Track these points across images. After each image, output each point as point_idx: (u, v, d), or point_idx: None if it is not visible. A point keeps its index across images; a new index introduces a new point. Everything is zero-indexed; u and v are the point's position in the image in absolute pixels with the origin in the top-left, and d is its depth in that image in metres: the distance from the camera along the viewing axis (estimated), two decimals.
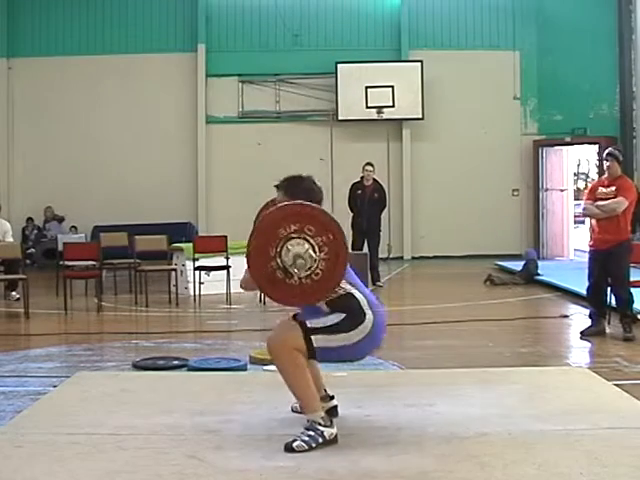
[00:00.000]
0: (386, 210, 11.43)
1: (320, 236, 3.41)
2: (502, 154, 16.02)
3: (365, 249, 11.01)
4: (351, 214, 10.96)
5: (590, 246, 7.17)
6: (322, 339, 3.51)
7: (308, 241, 3.39)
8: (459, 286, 11.41)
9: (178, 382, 4.95)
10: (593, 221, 7.10)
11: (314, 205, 3.50)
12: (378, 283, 10.82)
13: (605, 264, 6.88)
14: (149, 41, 16.09)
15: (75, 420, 3.95)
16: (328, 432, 3.52)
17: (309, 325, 3.52)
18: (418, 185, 16.04)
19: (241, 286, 3.86)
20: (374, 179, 11.26)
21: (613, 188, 6.86)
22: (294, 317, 3.62)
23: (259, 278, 3.47)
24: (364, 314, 3.57)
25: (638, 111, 15.07)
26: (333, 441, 3.53)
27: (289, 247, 3.38)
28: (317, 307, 3.59)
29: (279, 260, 3.40)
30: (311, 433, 3.50)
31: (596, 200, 6.93)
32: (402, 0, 16.15)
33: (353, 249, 11.10)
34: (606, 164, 7.00)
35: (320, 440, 3.49)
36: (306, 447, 3.46)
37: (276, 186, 3.78)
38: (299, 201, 3.50)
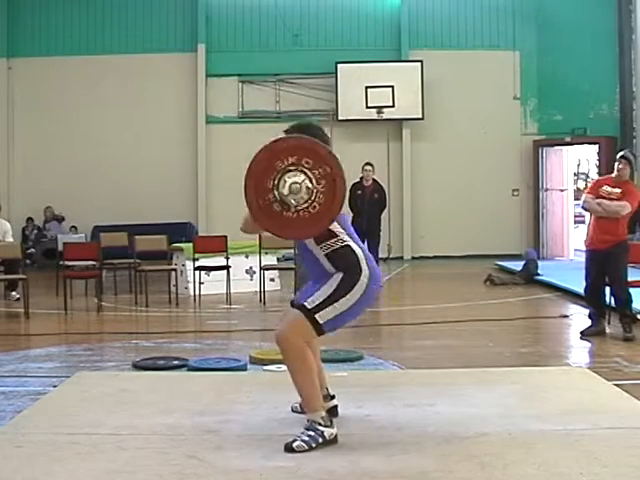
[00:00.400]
0: (386, 210, 11.40)
1: (317, 168, 3.43)
2: (502, 154, 16.01)
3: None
4: (351, 215, 10.96)
5: (587, 246, 7.14)
6: (328, 312, 3.51)
7: (305, 173, 3.41)
8: (459, 286, 11.41)
9: (178, 382, 4.95)
10: (592, 220, 7.07)
11: (312, 138, 3.51)
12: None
13: (603, 264, 6.87)
14: (149, 41, 16.09)
15: (75, 420, 3.95)
16: (328, 432, 3.52)
17: (310, 306, 3.51)
18: (418, 185, 16.04)
19: (241, 228, 3.85)
20: (374, 179, 11.22)
21: (619, 190, 6.81)
22: (291, 304, 3.62)
23: (257, 212, 3.47)
24: (360, 270, 3.57)
25: (638, 111, 15.06)
26: (333, 441, 3.53)
27: (286, 179, 3.40)
28: (319, 262, 3.58)
29: (276, 192, 3.42)
30: (311, 433, 3.50)
31: (598, 196, 6.89)
32: (402, 0, 16.15)
33: None
34: (618, 166, 6.91)
35: (320, 440, 3.49)
36: (306, 447, 3.46)
37: (285, 131, 3.78)
38: (296, 134, 3.53)
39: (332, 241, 3.59)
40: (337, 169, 3.45)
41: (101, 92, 15.95)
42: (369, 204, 10.90)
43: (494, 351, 6.48)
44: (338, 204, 3.47)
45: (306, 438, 3.48)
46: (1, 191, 15.51)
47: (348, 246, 3.61)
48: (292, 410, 3.95)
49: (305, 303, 3.53)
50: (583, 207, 7.33)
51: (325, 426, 3.52)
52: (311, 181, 3.41)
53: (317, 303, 3.52)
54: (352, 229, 3.73)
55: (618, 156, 7.03)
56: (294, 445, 3.46)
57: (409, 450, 3.46)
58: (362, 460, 3.34)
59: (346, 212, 3.74)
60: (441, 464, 3.28)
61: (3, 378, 5.46)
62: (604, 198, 6.84)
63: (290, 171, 3.41)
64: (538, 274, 11.45)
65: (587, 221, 7.86)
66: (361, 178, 11.08)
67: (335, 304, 3.52)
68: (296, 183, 3.38)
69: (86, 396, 4.46)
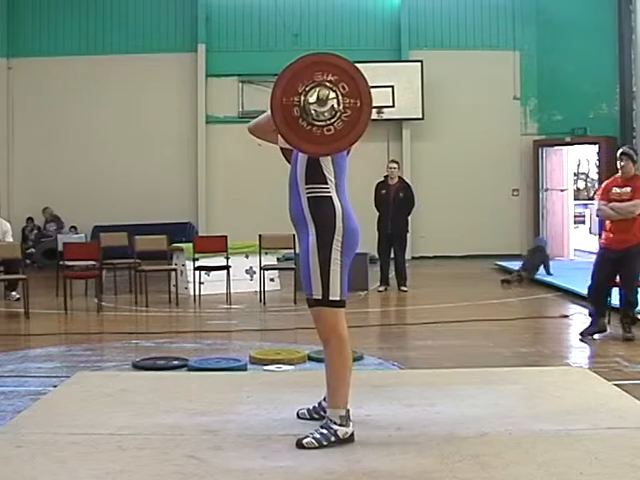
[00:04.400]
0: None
1: (350, 97, 3.48)
2: (502, 154, 16.02)
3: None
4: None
5: (602, 244, 7.00)
6: (333, 284, 3.54)
7: (337, 95, 3.46)
8: (459, 286, 11.41)
9: (178, 382, 4.95)
10: (607, 220, 6.96)
11: (359, 68, 3.56)
12: (402, 288, 10.62)
13: (617, 264, 6.77)
14: (149, 41, 16.10)
15: (75, 420, 3.95)
16: (342, 431, 3.53)
17: (320, 296, 3.54)
18: (418, 185, 15.97)
19: (249, 127, 3.87)
20: (400, 177, 10.91)
21: (628, 189, 6.73)
22: (309, 303, 3.63)
23: (276, 108, 3.47)
24: (334, 227, 3.57)
25: (638, 111, 15.07)
26: (348, 440, 3.53)
27: (317, 89, 3.44)
28: (300, 203, 3.60)
29: (302, 98, 3.45)
30: (324, 431, 3.52)
31: (610, 200, 6.80)
32: (402, 0, 16.16)
33: (378, 252, 10.98)
34: (620, 163, 6.85)
35: (332, 439, 3.50)
36: (316, 444, 3.47)
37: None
38: (347, 58, 3.56)
39: (319, 186, 3.59)
40: (368, 108, 3.51)
41: (101, 92, 15.95)
42: (394, 204, 10.55)
43: (494, 351, 6.48)
44: (353, 137, 3.52)
45: (318, 436, 3.50)
46: (1, 191, 15.53)
47: (329, 197, 3.60)
48: (298, 416, 3.93)
49: (314, 297, 3.57)
50: (597, 215, 7.27)
51: (340, 425, 3.53)
52: (339, 104, 3.46)
53: (321, 288, 3.55)
54: (344, 179, 3.71)
55: (618, 153, 6.96)
56: (304, 442, 3.48)
57: (409, 450, 3.46)
58: (362, 460, 3.34)
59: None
60: (441, 464, 3.28)
61: (3, 378, 5.47)
62: (616, 201, 6.75)
63: (325, 86, 3.45)
64: (546, 264, 11.41)
65: (594, 220, 7.79)
66: (386, 177, 10.82)
67: (330, 274, 3.54)
68: (326, 95, 3.43)
69: (86, 396, 4.46)
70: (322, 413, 3.77)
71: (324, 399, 3.77)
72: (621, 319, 6.90)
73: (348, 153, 3.77)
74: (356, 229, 3.66)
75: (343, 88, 3.47)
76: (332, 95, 3.44)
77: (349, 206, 3.68)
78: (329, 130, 3.46)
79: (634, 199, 6.69)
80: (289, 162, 3.79)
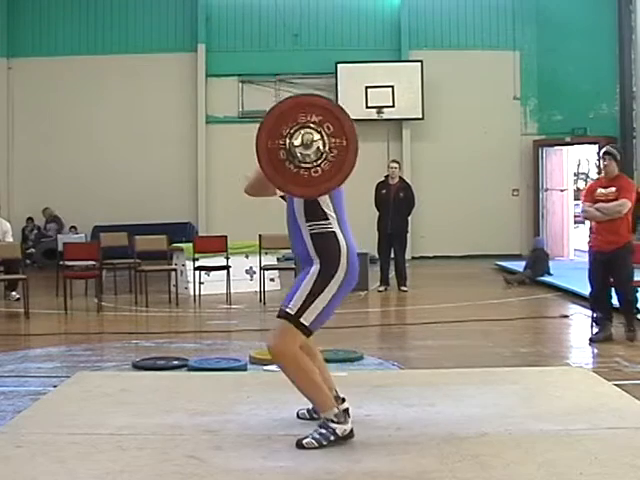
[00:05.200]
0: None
1: (336, 137, 3.46)
2: (502, 154, 16.02)
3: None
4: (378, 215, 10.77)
5: (591, 247, 6.94)
6: (310, 311, 3.52)
7: (322, 136, 3.45)
8: (459, 286, 11.41)
9: (178, 382, 4.95)
10: (593, 222, 6.89)
11: (343, 108, 3.54)
12: (402, 288, 10.62)
13: (608, 266, 6.70)
14: (149, 41, 16.11)
15: (75, 420, 3.95)
16: (341, 429, 3.53)
17: (293, 311, 3.51)
18: (418, 185, 15.97)
19: (245, 190, 3.84)
20: (400, 177, 10.89)
21: (613, 189, 6.63)
22: (279, 314, 3.60)
23: (262, 152, 3.46)
24: (338, 263, 3.56)
25: (638, 111, 15.07)
26: (347, 437, 3.54)
27: (302, 132, 3.43)
28: (304, 242, 3.59)
29: (287, 141, 3.44)
30: (322, 431, 3.52)
31: (595, 202, 6.69)
32: (402, 0, 16.16)
33: (378, 252, 11.00)
34: (603, 163, 6.75)
35: (332, 438, 3.51)
36: (316, 444, 3.48)
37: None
38: (330, 99, 3.56)
39: (321, 223, 3.58)
40: (354, 146, 3.48)
41: (101, 92, 15.96)
42: (394, 204, 10.55)
43: (494, 351, 6.47)
44: (341, 178, 3.50)
45: (317, 436, 3.51)
46: (1, 191, 15.53)
47: (333, 233, 3.59)
48: (298, 416, 3.93)
49: (287, 310, 3.53)
50: (584, 217, 7.18)
51: (338, 423, 3.53)
52: (325, 145, 3.44)
53: (299, 306, 3.52)
54: (344, 210, 3.70)
55: (601, 153, 6.86)
56: (304, 442, 3.49)
57: (409, 450, 3.46)
58: (362, 460, 3.34)
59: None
60: (441, 464, 3.28)
61: (3, 378, 5.46)
62: (602, 201, 6.65)
63: (309, 127, 3.44)
64: (547, 267, 11.42)
65: (587, 223, 7.73)
66: (386, 176, 10.82)
67: (316, 301, 3.52)
68: (310, 139, 3.42)
69: (86, 396, 4.46)
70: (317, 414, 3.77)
71: None
72: (625, 320, 6.82)
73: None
74: (357, 262, 3.66)
75: (328, 128, 3.45)
76: (317, 137, 3.43)
77: (351, 238, 3.67)
78: (316, 172, 3.45)
79: (620, 199, 6.58)
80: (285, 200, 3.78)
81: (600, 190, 6.74)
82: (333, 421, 3.53)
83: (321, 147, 3.43)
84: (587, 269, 6.98)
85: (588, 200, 6.79)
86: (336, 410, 3.56)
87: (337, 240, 3.59)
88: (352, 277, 3.61)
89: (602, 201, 6.67)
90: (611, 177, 6.73)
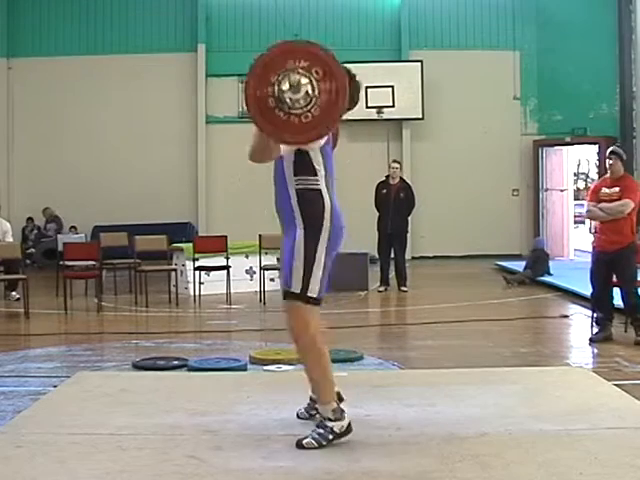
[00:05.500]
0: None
1: (325, 82, 3.39)
2: (502, 154, 16.02)
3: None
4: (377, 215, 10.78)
5: (594, 247, 6.89)
6: (313, 282, 3.53)
7: (311, 81, 3.37)
8: (459, 286, 11.41)
9: (178, 382, 4.95)
10: (597, 222, 6.88)
11: (333, 54, 3.48)
12: (402, 288, 10.62)
13: (611, 266, 6.67)
14: (149, 41, 16.10)
15: (75, 420, 3.94)
16: (338, 426, 3.53)
17: (297, 289, 3.52)
18: (418, 185, 15.97)
19: (250, 158, 3.69)
20: (401, 178, 10.90)
21: (617, 189, 6.62)
22: (285, 296, 3.60)
23: (251, 102, 3.41)
24: (322, 223, 3.56)
25: (638, 111, 15.07)
26: (345, 433, 3.55)
27: (290, 76, 3.36)
28: (289, 200, 3.57)
29: (276, 87, 3.37)
30: (320, 431, 3.52)
31: (600, 201, 6.69)
32: (402, 0, 16.16)
33: (378, 252, 11.01)
34: (608, 162, 6.74)
35: (330, 437, 3.51)
36: (315, 444, 3.48)
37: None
38: (322, 45, 3.49)
39: (309, 179, 3.57)
40: (344, 91, 3.40)
41: (101, 92, 15.95)
42: (395, 204, 10.57)
43: (494, 351, 6.48)
44: (331, 123, 3.44)
45: (316, 436, 3.51)
46: (1, 191, 15.53)
47: (319, 191, 3.59)
48: (297, 416, 3.93)
49: (292, 290, 3.55)
50: (588, 217, 7.15)
51: (335, 420, 3.54)
52: (314, 90, 3.37)
53: (301, 282, 3.53)
54: (333, 169, 3.68)
55: (607, 152, 6.85)
56: (304, 442, 3.49)
57: (409, 450, 3.46)
58: (362, 460, 3.34)
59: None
60: (441, 464, 3.28)
61: (3, 378, 5.47)
62: (605, 201, 6.65)
63: (298, 73, 3.38)
64: (547, 267, 11.41)
65: (588, 223, 7.70)
66: (387, 176, 10.84)
67: (313, 270, 3.53)
68: (297, 80, 3.35)
69: (86, 396, 4.46)
70: (314, 411, 3.78)
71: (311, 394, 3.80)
72: (631, 322, 6.75)
73: (334, 147, 3.73)
74: (342, 228, 3.65)
75: (317, 73, 3.38)
76: (305, 81, 3.35)
77: (337, 204, 3.66)
78: (307, 117, 3.39)
79: (623, 199, 6.57)
80: None
81: (604, 190, 6.74)
82: (330, 419, 3.53)
83: (310, 91, 3.36)
84: (589, 269, 6.95)
85: (592, 200, 6.79)
86: (334, 405, 3.56)
87: (322, 198, 3.59)
88: (337, 241, 3.61)
89: (606, 201, 6.66)
90: (616, 177, 6.72)
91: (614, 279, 6.82)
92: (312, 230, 3.56)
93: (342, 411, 3.59)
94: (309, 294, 3.54)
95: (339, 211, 3.64)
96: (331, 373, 3.62)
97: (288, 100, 3.36)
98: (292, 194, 3.59)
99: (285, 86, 3.35)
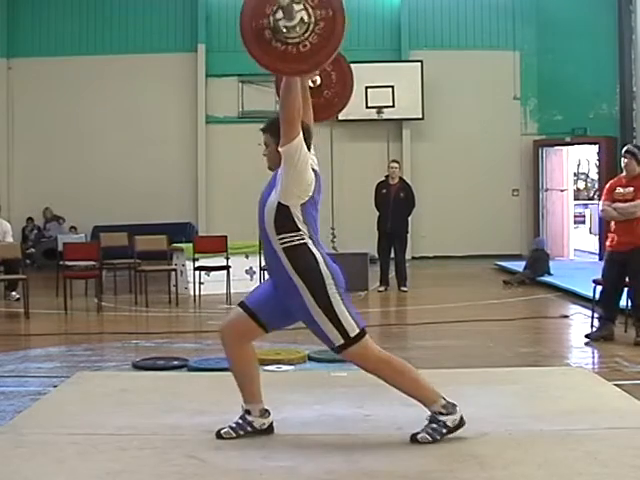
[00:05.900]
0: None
1: (321, 9, 3.30)
2: (502, 154, 16.01)
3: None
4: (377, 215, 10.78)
5: (609, 247, 6.80)
6: (347, 320, 3.51)
7: (306, 8, 3.29)
8: (459, 286, 11.41)
9: (178, 382, 4.95)
10: (612, 222, 6.79)
11: None
12: (403, 288, 10.61)
13: (623, 267, 6.59)
14: (149, 41, 16.10)
15: (75, 420, 3.95)
16: (451, 419, 3.56)
17: (341, 341, 3.50)
18: (418, 185, 15.94)
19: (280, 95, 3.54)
20: (401, 177, 10.90)
21: (631, 189, 6.55)
22: (338, 352, 3.58)
23: (247, 35, 3.38)
24: (320, 272, 3.51)
25: (638, 111, 15.06)
26: (459, 426, 3.57)
27: (282, 2, 3.27)
28: (278, 258, 3.52)
29: (271, 18, 3.31)
30: (434, 426, 3.55)
31: (614, 201, 6.62)
32: (402, 0, 16.15)
33: (378, 252, 11.01)
34: (623, 161, 6.66)
35: (444, 430, 3.54)
36: (430, 439, 3.52)
37: (262, 129, 3.69)
38: None
39: (292, 235, 3.51)
40: (341, 18, 3.31)
41: (101, 92, 15.94)
42: (395, 204, 10.56)
43: (494, 351, 6.48)
44: (329, 50, 3.34)
45: (430, 430, 3.54)
46: (1, 191, 15.53)
47: (305, 245, 3.53)
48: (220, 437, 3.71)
49: (339, 344, 3.52)
50: (602, 216, 7.06)
51: (448, 414, 3.55)
52: (310, 16, 3.29)
53: (337, 331, 3.50)
54: (317, 221, 3.62)
55: (623, 151, 6.78)
56: (418, 437, 3.53)
57: (409, 450, 3.46)
58: (362, 460, 3.34)
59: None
60: (441, 464, 3.28)
61: (3, 378, 5.46)
62: (619, 201, 6.58)
63: (293, 2, 3.28)
64: (548, 267, 11.40)
65: (598, 221, 7.62)
66: (386, 176, 10.84)
67: (337, 313, 3.49)
68: (289, 5, 3.25)
69: (86, 396, 4.46)
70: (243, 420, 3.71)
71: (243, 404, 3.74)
72: (633, 323, 6.71)
73: (319, 194, 3.65)
74: (338, 269, 3.61)
75: (312, 1, 3.30)
76: (298, 7, 3.26)
77: (323, 247, 3.63)
78: (305, 46, 3.31)
79: (636, 199, 6.51)
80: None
81: (619, 189, 6.68)
82: (442, 413, 3.55)
83: (305, 18, 3.28)
84: (602, 267, 6.90)
85: (607, 199, 6.73)
86: (443, 401, 3.58)
87: (311, 251, 3.53)
88: (340, 279, 3.57)
89: (620, 201, 6.60)
90: (631, 176, 6.65)
91: (626, 280, 6.71)
92: (314, 283, 3.50)
93: (454, 405, 3.59)
94: (351, 335, 3.51)
95: (330, 260, 3.60)
96: (421, 377, 3.65)
97: (284, 29, 3.29)
98: (282, 256, 3.52)
99: (279, 14, 3.29)
